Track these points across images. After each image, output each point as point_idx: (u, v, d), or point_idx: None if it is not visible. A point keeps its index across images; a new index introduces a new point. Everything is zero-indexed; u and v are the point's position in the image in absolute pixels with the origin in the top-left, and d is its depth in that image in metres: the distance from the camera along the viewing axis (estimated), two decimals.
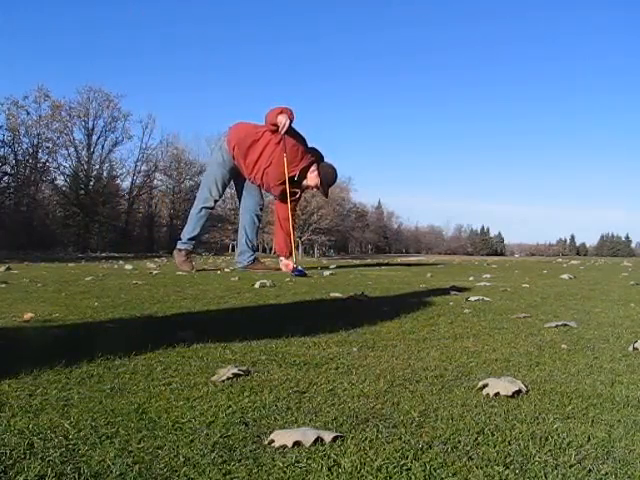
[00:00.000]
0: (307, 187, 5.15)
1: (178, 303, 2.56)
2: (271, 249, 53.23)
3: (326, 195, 5.24)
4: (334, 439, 0.92)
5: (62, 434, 0.93)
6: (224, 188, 5.39)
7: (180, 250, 5.24)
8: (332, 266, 6.78)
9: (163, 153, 35.09)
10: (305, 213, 43.29)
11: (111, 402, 1.11)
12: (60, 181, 30.82)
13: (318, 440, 0.90)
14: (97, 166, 31.92)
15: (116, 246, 27.92)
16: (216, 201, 5.27)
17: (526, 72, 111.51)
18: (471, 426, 1.00)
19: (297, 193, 5.25)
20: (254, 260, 5.49)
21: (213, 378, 1.29)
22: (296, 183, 5.06)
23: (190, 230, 5.23)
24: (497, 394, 1.18)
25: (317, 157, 5.02)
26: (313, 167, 4.98)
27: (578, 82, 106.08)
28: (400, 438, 0.94)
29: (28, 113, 27.57)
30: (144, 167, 33.95)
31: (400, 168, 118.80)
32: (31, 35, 61.04)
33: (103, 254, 12.38)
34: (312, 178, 5.01)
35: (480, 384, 1.24)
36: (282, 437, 0.91)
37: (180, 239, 5.32)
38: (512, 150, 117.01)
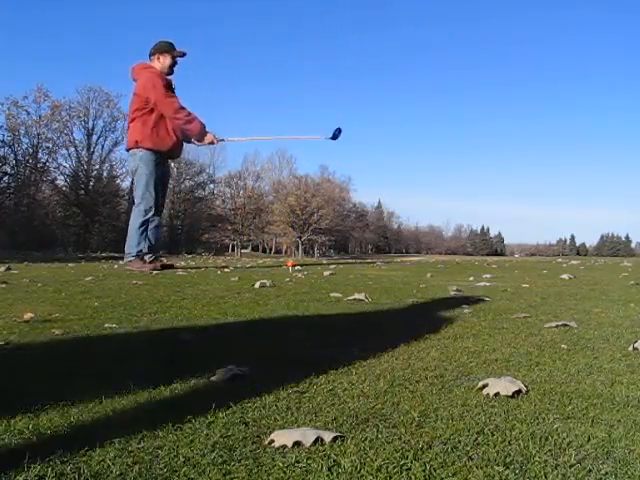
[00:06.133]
0: (171, 67, 5.16)
1: (178, 303, 2.56)
2: (271, 249, 53.23)
3: (182, 54, 5.20)
4: (334, 439, 0.92)
5: (62, 434, 0.93)
6: (158, 194, 5.33)
7: (131, 261, 5.12)
8: (332, 266, 6.78)
9: None
10: (305, 213, 43.27)
11: (111, 402, 1.11)
12: (60, 181, 30.82)
13: (318, 440, 0.90)
14: (97, 166, 31.90)
15: (116, 246, 27.89)
16: (154, 209, 5.19)
17: (526, 72, 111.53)
18: (471, 426, 1.00)
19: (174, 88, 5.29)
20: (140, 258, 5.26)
21: (213, 378, 1.29)
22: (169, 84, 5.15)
23: (135, 244, 5.11)
24: (497, 394, 1.18)
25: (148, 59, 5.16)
26: (154, 58, 5.11)
27: (578, 82, 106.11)
28: (400, 438, 0.94)
29: (28, 113, 27.55)
30: None
31: (400, 168, 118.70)
32: (31, 35, 61.11)
33: (103, 254, 12.37)
34: (162, 61, 5.10)
35: (480, 384, 1.24)
36: (282, 437, 0.91)
37: (127, 253, 5.18)
38: (512, 150, 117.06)
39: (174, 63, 5.18)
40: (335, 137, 5.42)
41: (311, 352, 1.59)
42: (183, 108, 5.02)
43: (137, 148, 5.10)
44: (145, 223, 5.15)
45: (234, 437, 0.93)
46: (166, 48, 5.14)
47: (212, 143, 5.32)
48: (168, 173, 5.63)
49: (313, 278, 4.38)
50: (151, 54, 5.16)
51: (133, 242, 5.15)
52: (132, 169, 5.33)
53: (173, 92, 5.15)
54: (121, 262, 5.59)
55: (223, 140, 5.72)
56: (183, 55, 5.24)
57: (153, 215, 5.19)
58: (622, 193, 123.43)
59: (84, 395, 1.15)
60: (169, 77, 5.17)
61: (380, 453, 0.87)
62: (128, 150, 5.28)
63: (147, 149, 5.07)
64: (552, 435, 0.96)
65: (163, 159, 5.22)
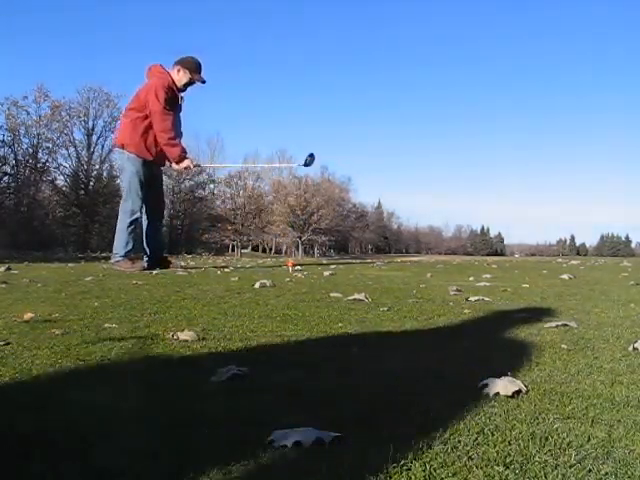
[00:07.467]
0: (186, 85, 5.16)
1: (178, 303, 2.56)
2: (271, 249, 53.18)
3: (203, 81, 5.19)
4: (334, 439, 0.92)
5: (62, 434, 0.93)
6: (145, 193, 5.32)
7: (118, 261, 5.08)
8: (332, 266, 6.77)
9: None
10: (305, 213, 43.26)
11: (111, 403, 1.11)
12: (60, 181, 30.77)
13: (318, 440, 0.90)
14: (97, 166, 31.86)
15: None
16: (140, 209, 5.20)
17: (525, 71, 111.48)
18: (471, 426, 1.00)
19: (182, 98, 5.29)
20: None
21: (213, 378, 1.29)
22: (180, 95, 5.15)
23: (123, 245, 5.07)
24: (497, 394, 1.18)
25: (171, 69, 5.15)
26: (175, 69, 5.07)
27: (578, 81, 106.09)
28: (400, 438, 0.93)
29: (28, 113, 27.51)
30: None
31: (400, 168, 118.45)
32: (31, 35, 61.15)
33: (103, 254, 12.36)
34: (181, 76, 5.08)
35: (480, 384, 1.24)
36: (282, 437, 0.91)
37: (115, 253, 5.15)
38: (512, 150, 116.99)
39: (190, 83, 5.15)
40: (307, 164, 5.83)
41: (311, 352, 1.59)
42: (171, 130, 5.00)
43: (122, 149, 5.11)
44: (133, 223, 5.09)
45: (234, 437, 0.93)
46: (189, 66, 5.11)
47: (188, 168, 5.43)
48: (159, 177, 5.58)
49: (313, 278, 4.38)
50: (175, 63, 5.13)
51: (121, 242, 5.06)
52: (120, 167, 5.37)
53: (176, 108, 5.13)
54: (110, 262, 5.52)
55: (199, 165, 5.87)
56: (202, 82, 5.21)
57: (140, 215, 5.16)
58: (622, 193, 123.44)
59: (84, 394, 1.15)
60: (180, 93, 5.15)
61: (380, 453, 0.87)
62: (116, 147, 5.30)
63: (131, 153, 5.07)
64: (552, 435, 0.96)
65: (151, 162, 5.19)
